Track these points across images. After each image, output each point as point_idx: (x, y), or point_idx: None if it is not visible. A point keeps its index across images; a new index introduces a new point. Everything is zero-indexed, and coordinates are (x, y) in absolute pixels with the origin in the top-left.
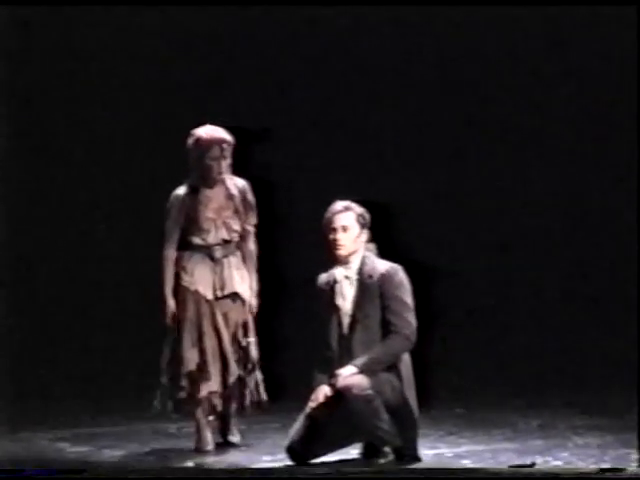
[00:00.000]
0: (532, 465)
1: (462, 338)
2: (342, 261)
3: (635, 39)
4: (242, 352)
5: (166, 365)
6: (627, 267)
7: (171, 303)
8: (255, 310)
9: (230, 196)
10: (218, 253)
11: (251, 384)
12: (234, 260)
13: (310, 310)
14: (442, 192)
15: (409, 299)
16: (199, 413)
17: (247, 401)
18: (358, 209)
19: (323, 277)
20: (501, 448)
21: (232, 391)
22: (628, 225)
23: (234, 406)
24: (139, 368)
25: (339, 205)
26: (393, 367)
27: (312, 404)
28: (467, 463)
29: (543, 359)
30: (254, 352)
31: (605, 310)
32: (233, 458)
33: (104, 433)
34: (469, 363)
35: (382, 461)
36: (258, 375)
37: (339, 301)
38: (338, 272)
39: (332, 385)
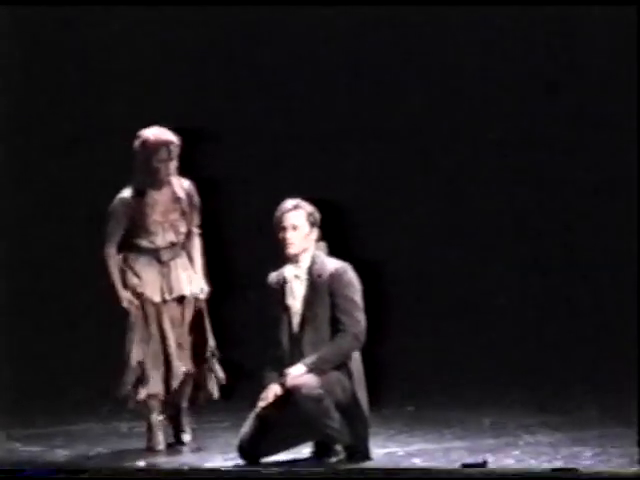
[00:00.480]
0: (484, 464)
1: (413, 336)
2: (292, 260)
3: (635, 39)
4: (194, 352)
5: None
6: (580, 261)
7: (126, 294)
8: (205, 310)
9: (177, 198)
10: (165, 256)
11: (208, 381)
12: (181, 262)
13: (260, 309)
14: (394, 190)
15: (358, 298)
16: (148, 413)
17: (201, 397)
18: (308, 207)
19: (273, 276)
20: (452, 447)
21: (180, 392)
22: (582, 216)
23: (185, 405)
24: (92, 367)
25: (289, 203)
26: (343, 366)
27: (262, 403)
28: (418, 462)
29: (495, 357)
30: (209, 350)
31: (559, 307)
32: (185, 458)
33: (56, 433)
34: (420, 361)
35: (333, 460)
36: (217, 371)
37: (289, 300)
38: (288, 271)
39: (282, 384)
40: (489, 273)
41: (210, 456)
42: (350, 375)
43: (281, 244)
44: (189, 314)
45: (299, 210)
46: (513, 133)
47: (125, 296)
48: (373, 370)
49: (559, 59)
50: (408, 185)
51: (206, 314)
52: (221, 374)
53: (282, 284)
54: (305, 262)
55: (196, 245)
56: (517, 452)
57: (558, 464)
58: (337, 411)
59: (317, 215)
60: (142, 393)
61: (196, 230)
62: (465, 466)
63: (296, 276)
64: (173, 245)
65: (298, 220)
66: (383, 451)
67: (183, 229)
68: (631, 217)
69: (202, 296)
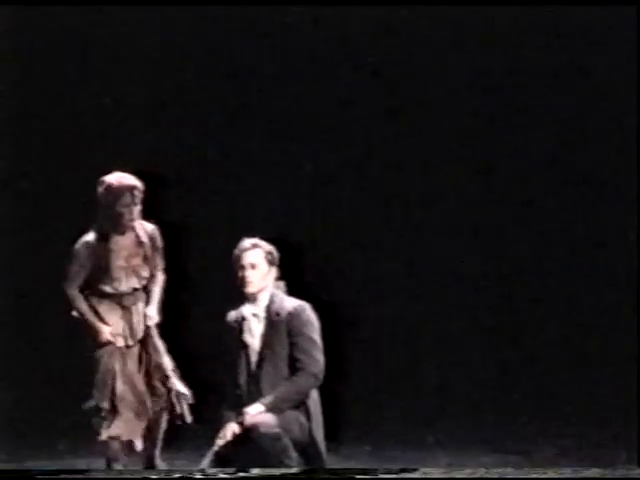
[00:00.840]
0: None
1: (371, 375)
2: (250, 298)
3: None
4: (162, 390)
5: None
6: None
7: (106, 327)
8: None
9: (140, 243)
10: (128, 301)
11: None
12: (142, 306)
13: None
14: (354, 228)
15: (317, 337)
16: (108, 454)
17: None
18: (266, 247)
19: (232, 314)
20: (402, 477)
21: (155, 427)
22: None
23: (159, 437)
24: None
25: (247, 242)
26: (301, 405)
27: (220, 442)
28: None
29: (454, 395)
30: (175, 388)
31: (507, 342)
32: None
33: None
34: (377, 400)
35: None
36: (180, 389)
37: (247, 338)
38: (246, 309)
39: (240, 423)
40: (443, 312)
41: None
42: (308, 414)
43: (239, 283)
44: (152, 357)
45: (257, 249)
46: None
47: (105, 329)
48: (331, 409)
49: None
50: (368, 224)
51: (158, 339)
52: (185, 391)
53: (240, 322)
54: (263, 301)
55: (159, 283)
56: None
57: None
58: (294, 450)
59: (275, 254)
60: (103, 434)
61: (159, 274)
62: None
63: (254, 314)
64: (135, 290)
65: (256, 259)
66: None
67: (146, 274)
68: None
69: (150, 322)
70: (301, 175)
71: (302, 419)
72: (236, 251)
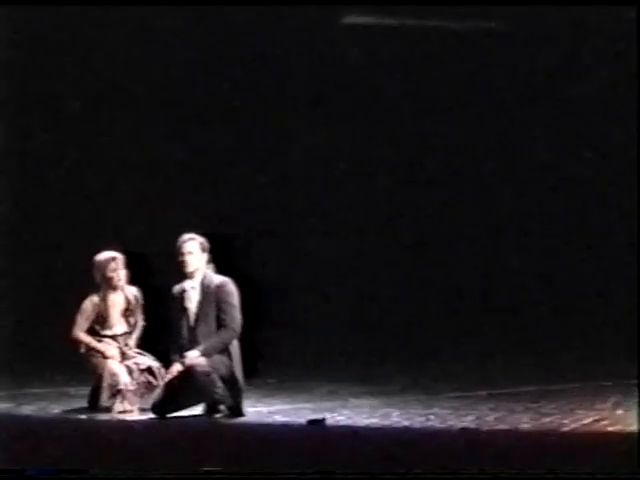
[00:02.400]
0: (323, 420)
1: (279, 329)
2: (189, 276)
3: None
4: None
5: None
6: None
7: (105, 346)
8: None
9: (128, 301)
10: (121, 341)
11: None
12: (132, 343)
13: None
14: (263, 226)
15: (236, 302)
16: None
17: None
18: (200, 238)
19: (176, 287)
20: (302, 407)
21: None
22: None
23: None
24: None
25: (186, 236)
26: (225, 350)
27: (168, 376)
28: (278, 417)
29: (338, 340)
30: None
31: (402, 286)
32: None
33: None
34: (281, 345)
35: (218, 415)
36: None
37: (187, 304)
38: (186, 284)
39: (182, 363)
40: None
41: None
42: (230, 357)
43: (180, 265)
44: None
45: (193, 241)
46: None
47: (106, 347)
48: (250, 353)
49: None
50: (276, 221)
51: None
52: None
53: (182, 293)
54: (198, 278)
55: (139, 327)
56: (346, 411)
57: (375, 420)
58: (221, 382)
59: (207, 244)
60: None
61: (141, 321)
62: (310, 422)
63: (192, 287)
64: (126, 333)
65: (193, 248)
66: (253, 409)
67: (132, 321)
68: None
69: (131, 351)
70: (228, 184)
71: (226, 361)
72: (178, 242)
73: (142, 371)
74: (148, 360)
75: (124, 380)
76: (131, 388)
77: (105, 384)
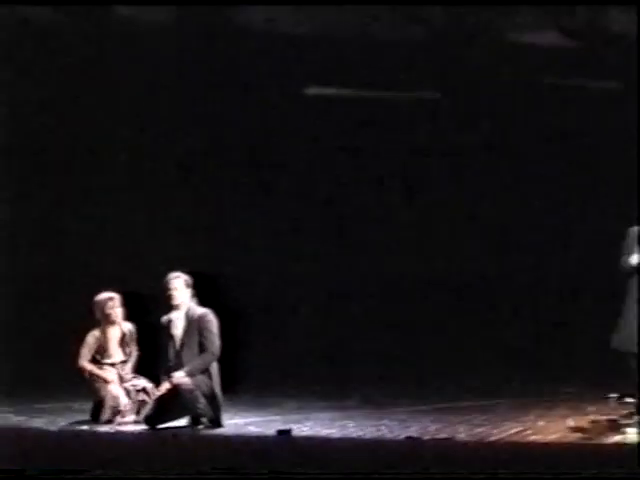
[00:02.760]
0: (290, 430)
1: (253, 354)
2: (175, 308)
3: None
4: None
5: None
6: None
7: (105, 373)
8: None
9: (124, 334)
10: (119, 368)
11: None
12: (128, 368)
13: None
14: (241, 266)
15: (215, 330)
16: None
17: None
18: (184, 276)
19: (164, 318)
20: (272, 420)
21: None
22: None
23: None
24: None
25: (172, 274)
26: (206, 371)
27: (157, 393)
28: (252, 428)
29: (303, 363)
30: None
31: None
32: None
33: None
34: (255, 367)
35: (201, 427)
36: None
37: (174, 331)
38: (173, 315)
39: (170, 382)
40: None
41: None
42: (210, 376)
43: (168, 299)
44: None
45: (179, 278)
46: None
47: (106, 373)
48: (228, 373)
49: None
50: (252, 261)
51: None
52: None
53: (169, 322)
54: (183, 309)
55: (134, 355)
56: (310, 423)
57: (334, 431)
58: (203, 398)
59: (190, 281)
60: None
61: (135, 351)
62: (279, 432)
63: (178, 317)
64: (123, 361)
65: (178, 284)
66: (230, 422)
67: (128, 351)
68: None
69: (128, 375)
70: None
71: (207, 380)
72: (165, 279)
73: (138, 391)
74: (143, 382)
75: (124, 402)
76: (129, 407)
77: (107, 405)
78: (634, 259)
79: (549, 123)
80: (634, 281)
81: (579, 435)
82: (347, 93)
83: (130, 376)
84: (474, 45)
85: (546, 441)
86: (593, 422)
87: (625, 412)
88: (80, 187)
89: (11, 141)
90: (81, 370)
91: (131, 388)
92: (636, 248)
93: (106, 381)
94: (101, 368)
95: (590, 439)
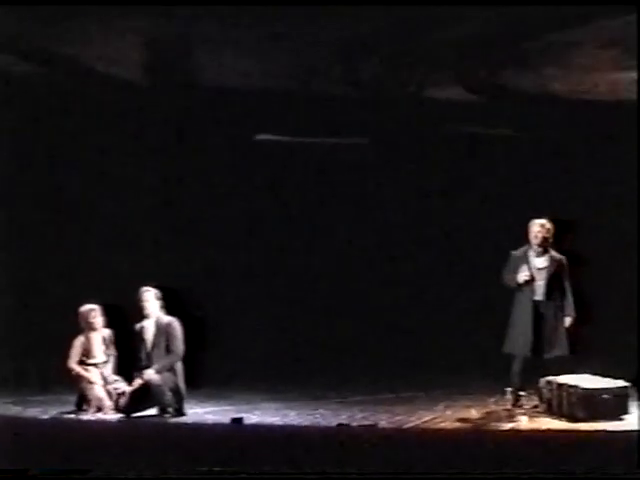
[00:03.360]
0: (241, 419)
1: (211, 355)
2: (147, 317)
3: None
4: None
5: None
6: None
7: (88, 374)
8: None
9: (104, 338)
10: (101, 367)
11: None
12: (109, 368)
13: None
14: (204, 280)
15: (180, 335)
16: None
17: None
18: (154, 290)
19: (137, 325)
20: (227, 409)
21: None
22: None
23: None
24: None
25: (144, 288)
26: (172, 369)
27: (131, 387)
28: (209, 417)
29: (252, 362)
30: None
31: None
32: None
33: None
34: (213, 365)
35: (167, 415)
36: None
37: (145, 336)
38: (145, 322)
39: (142, 378)
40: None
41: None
42: (175, 373)
43: (141, 309)
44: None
45: (149, 291)
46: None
47: (90, 374)
48: (190, 370)
49: None
50: (215, 274)
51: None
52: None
53: (141, 328)
54: (153, 318)
55: (113, 356)
56: (258, 412)
57: (277, 419)
58: (169, 391)
59: (159, 294)
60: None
61: (112, 351)
62: (232, 420)
63: (149, 324)
64: (105, 362)
65: (149, 297)
66: (192, 411)
67: (108, 353)
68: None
69: (110, 377)
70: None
71: (172, 376)
72: (139, 293)
73: (118, 394)
74: (123, 386)
75: (107, 404)
76: (110, 406)
77: (92, 404)
78: (520, 277)
79: (455, 167)
80: (521, 294)
81: (481, 421)
82: (290, 140)
83: (112, 378)
84: (396, 99)
85: (454, 428)
86: (492, 412)
87: (518, 403)
88: (61, 217)
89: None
90: (70, 370)
91: (113, 391)
92: (523, 267)
93: (90, 382)
94: (86, 369)
95: (488, 425)
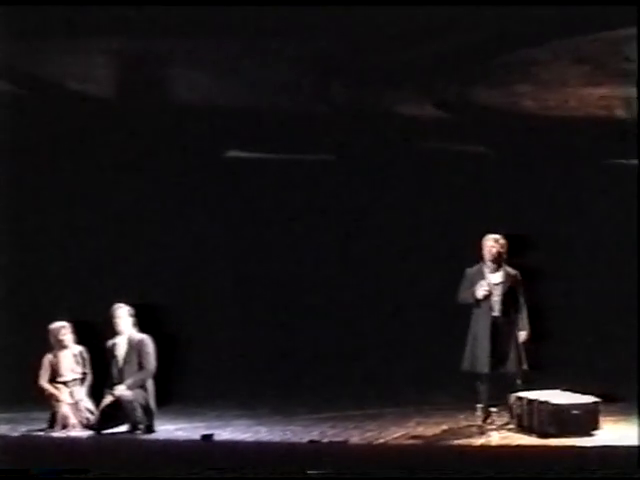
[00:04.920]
0: (212, 435)
1: (182, 372)
2: (119, 333)
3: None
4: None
5: None
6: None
7: (58, 393)
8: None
9: (75, 355)
10: (71, 385)
11: None
12: (84, 390)
13: None
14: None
15: (152, 352)
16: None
17: None
18: (127, 307)
19: (109, 342)
20: (197, 426)
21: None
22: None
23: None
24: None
25: (117, 305)
26: (143, 385)
27: (103, 405)
28: (180, 433)
29: (223, 379)
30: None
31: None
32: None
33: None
34: (183, 382)
35: (138, 432)
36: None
37: (117, 352)
38: (117, 339)
39: (113, 395)
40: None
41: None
42: (146, 390)
43: (113, 326)
44: None
45: (122, 308)
46: None
47: (59, 393)
48: (161, 388)
49: None
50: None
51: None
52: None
53: (113, 345)
54: (126, 334)
55: (88, 379)
56: (229, 429)
57: (248, 435)
58: (140, 408)
59: (132, 311)
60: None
61: (89, 372)
62: (203, 437)
63: (121, 341)
64: (74, 380)
65: (122, 314)
66: (162, 427)
67: (79, 371)
68: None
69: (81, 397)
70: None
71: (144, 393)
72: (111, 310)
73: (90, 413)
74: (90, 405)
75: (72, 422)
76: (76, 424)
77: (58, 422)
78: (480, 292)
79: (423, 183)
80: (479, 311)
81: (452, 437)
82: (259, 157)
83: (86, 399)
84: (365, 115)
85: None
86: (463, 427)
87: (489, 419)
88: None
89: None
90: (40, 389)
91: (83, 409)
92: (481, 283)
93: (58, 400)
94: (56, 387)
95: (460, 440)
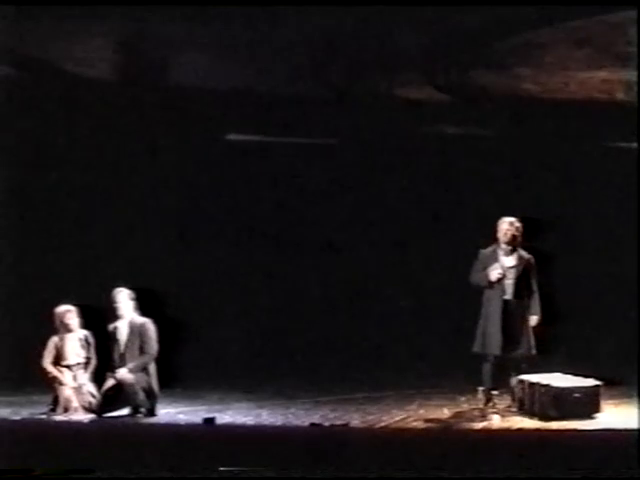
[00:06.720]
0: (214, 418)
1: (184, 355)
2: (120, 317)
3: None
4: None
5: None
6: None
7: (61, 375)
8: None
9: (80, 339)
10: (75, 369)
11: None
12: (88, 374)
13: None
14: (175, 284)
15: (154, 336)
16: None
17: None
18: (127, 291)
19: (111, 325)
20: (199, 409)
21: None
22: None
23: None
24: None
25: (118, 289)
26: (145, 369)
27: (105, 388)
28: (182, 417)
29: (225, 362)
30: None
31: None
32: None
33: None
34: (185, 365)
35: (140, 415)
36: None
37: (119, 337)
38: (118, 323)
39: (116, 378)
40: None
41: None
42: (148, 374)
43: (115, 310)
44: None
45: (123, 292)
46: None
47: (62, 376)
48: (163, 371)
49: None
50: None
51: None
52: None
53: (115, 329)
54: (127, 318)
55: (93, 363)
56: (230, 412)
57: (250, 418)
58: (142, 392)
59: (133, 294)
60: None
61: (94, 357)
62: (205, 420)
63: (122, 325)
64: (78, 364)
65: (123, 297)
66: (164, 411)
67: (84, 355)
68: None
69: (86, 383)
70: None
71: (145, 376)
72: (112, 294)
73: (92, 396)
74: (92, 389)
75: (74, 405)
76: (78, 407)
77: (60, 405)
78: (493, 275)
79: (425, 166)
80: (491, 293)
81: (454, 420)
82: (262, 139)
83: (89, 384)
84: (366, 99)
85: (428, 427)
86: (465, 411)
87: (490, 402)
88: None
89: None
90: (43, 371)
91: (86, 393)
92: (494, 265)
93: (61, 383)
94: (59, 370)
95: (461, 423)
